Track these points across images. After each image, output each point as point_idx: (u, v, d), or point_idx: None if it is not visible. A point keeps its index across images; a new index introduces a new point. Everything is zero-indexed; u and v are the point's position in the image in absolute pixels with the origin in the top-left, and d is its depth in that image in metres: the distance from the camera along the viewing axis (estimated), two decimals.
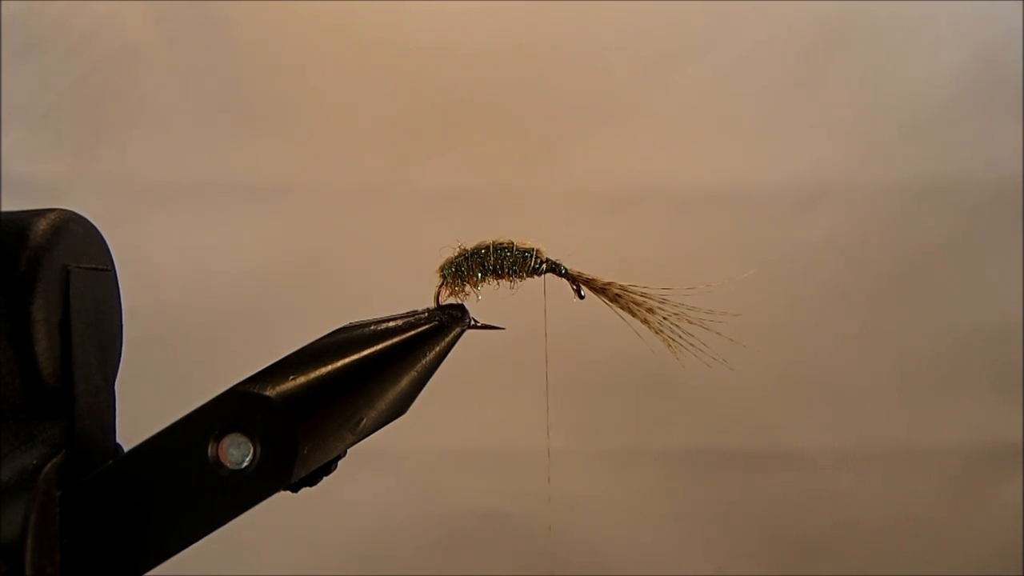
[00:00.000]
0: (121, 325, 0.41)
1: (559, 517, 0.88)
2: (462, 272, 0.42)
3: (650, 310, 0.42)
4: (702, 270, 0.92)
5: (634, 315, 0.42)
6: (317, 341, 0.38)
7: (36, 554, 0.34)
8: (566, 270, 0.42)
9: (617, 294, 0.42)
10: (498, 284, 0.42)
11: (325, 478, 0.39)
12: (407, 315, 0.39)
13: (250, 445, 0.36)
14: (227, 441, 0.36)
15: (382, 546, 0.94)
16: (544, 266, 0.42)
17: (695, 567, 0.94)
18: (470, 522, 0.93)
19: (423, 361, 0.38)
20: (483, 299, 0.42)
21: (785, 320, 0.93)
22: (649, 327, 0.42)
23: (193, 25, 0.92)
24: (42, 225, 0.37)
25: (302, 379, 0.36)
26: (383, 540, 0.94)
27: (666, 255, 0.92)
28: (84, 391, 0.37)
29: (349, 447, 0.38)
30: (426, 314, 0.39)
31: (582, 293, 0.43)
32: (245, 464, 0.36)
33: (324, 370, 0.37)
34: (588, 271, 0.43)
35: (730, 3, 0.93)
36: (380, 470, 0.92)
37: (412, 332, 0.38)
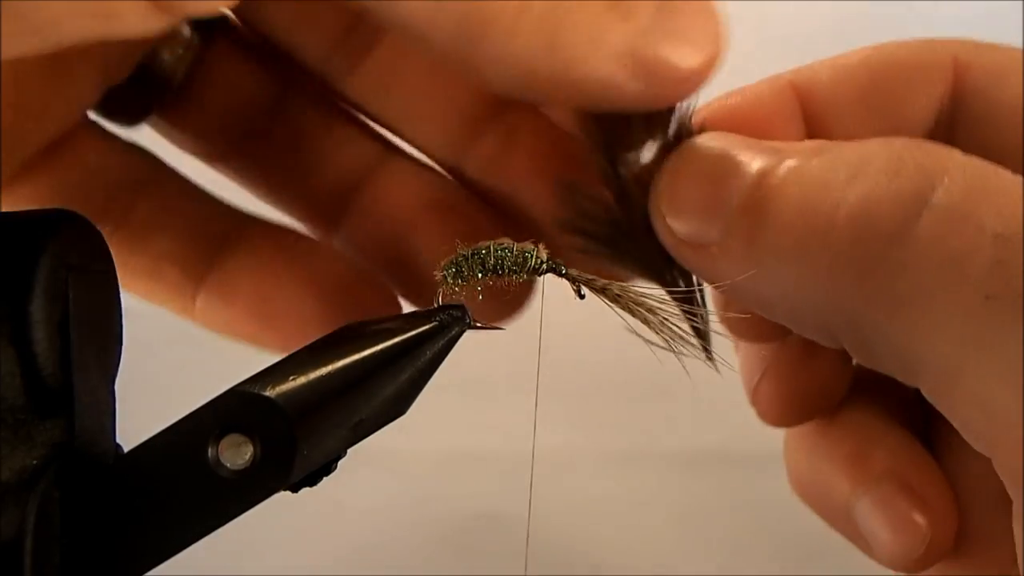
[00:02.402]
0: (121, 325, 0.41)
1: (558, 518, 0.87)
2: (462, 272, 0.42)
3: (650, 310, 0.42)
4: None
5: (634, 315, 0.42)
6: (317, 341, 0.38)
7: (35, 554, 0.34)
8: (566, 270, 0.42)
9: (617, 294, 0.42)
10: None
11: (325, 478, 0.39)
12: (407, 315, 0.39)
13: (250, 445, 0.36)
14: (227, 441, 0.36)
15: (382, 546, 0.94)
16: (544, 266, 0.42)
17: (696, 567, 0.94)
18: (470, 522, 0.93)
19: (423, 361, 0.38)
20: (482, 299, 0.42)
21: None
22: (649, 327, 0.42)
23: None
24: (42, 225, 0.37)
25: (302, 379, 0.36)
26: (383, 540, 0.94)
27: None
28: (84, 391, 0.37)
29: (349, 447, 0.38)
30: (426, 314, 0.39)
31: (582, 293, 0.43)
32: (245, 464, 0.36)
33: (324, 370, 0.37)
34: (588, 271, 0.43)
35: (728, 3, 0.93)
36: (380, 470, 0.92)
37: (412, 332, 0.38)
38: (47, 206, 0.45)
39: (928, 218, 0.32)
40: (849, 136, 0.39)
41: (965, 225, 0.32)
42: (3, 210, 0.39)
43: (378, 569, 0.93)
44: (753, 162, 0.37)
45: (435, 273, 0.42)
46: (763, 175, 0.36)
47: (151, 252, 0.46)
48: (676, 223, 0.39)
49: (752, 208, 0.36)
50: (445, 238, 0.43)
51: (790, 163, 0.36)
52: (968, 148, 0.37)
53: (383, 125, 0.48)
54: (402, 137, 0.48)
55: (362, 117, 0.48)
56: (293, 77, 0.48)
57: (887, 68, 0.43)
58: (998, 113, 0.42)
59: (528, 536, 0.48)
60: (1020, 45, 0.95)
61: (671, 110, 0.40)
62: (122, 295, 0.41)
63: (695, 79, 0.35)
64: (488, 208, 0.47)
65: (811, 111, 0.43)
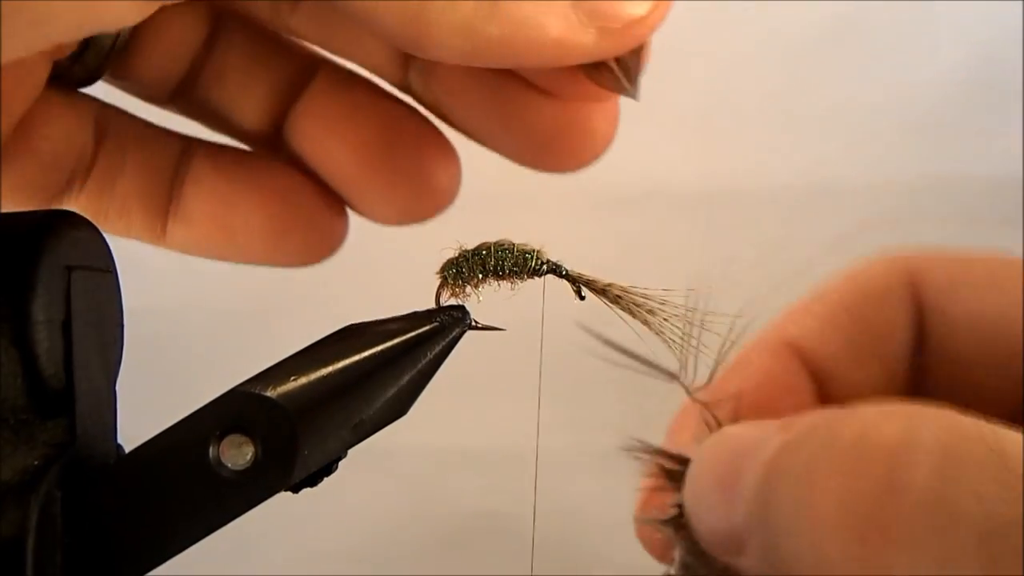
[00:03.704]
0: (122, 326, 0.41)
1: (558, 517, 0.88)
2: (463, 273, 0.42)
3: (650, 311, 0.42)
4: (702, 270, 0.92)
5: (635, 316, 0.42)
6: (318, 342, 0.38)
7: (38, 554, 0.34)
8: (567, 271, 0.42)
9: (618, 295, 0.42)
10: (499, 285, 0.42)
11: (326, 479, 0.39)
12: (408, 316, 0.39)
13: (251, 446, 0.36)
14: (228, 442, 0.36)
15: (382, 546, 0.94)
16: (545, 267, 0.42)
17: None
18: (470, 522, 0.93)
19: (424, 362, 0.38)
20: (483, 300, 0.42)
21: None
22: (650, 328, 0.42)
23: None
24: (43, 226, 0.37)
25: (303, 380, 0.36)
26: (383, 540, 0.94)
27: (667, 255, 0.92)
28: (86, 392, 0.37)
29: (350, 448, 0.38)
30: (426, 315, 0.39)
31: (583, 294, 0.43)
32: (246, 465, 0.36)
33: (325, 371, 0.37)
34: (589, 272, 0.43)
35: (728, 3, 0.93)
36: (380, 470, 0.92)
37: (413, 333, 0.38)
38: (30, 186, 0.45)
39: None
40: (845, 377, 0.43)
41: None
42: (1, 210, 0.39)
43: (378, 569, 0.93)
44: (757, 454, 0.34)
45: (435, 274, 0.42)
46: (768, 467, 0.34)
47: (118, 194, 0.48)
48: (701, 525, 0.37)
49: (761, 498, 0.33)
50: (367, 143, 0.47)
51: (781, 443, 0.33)
52: (939, 361, 0.39)
53: (331, 52, 0.50)
54: (351, 61, 0.50)
55: (286, 41, 0.51)
56: (221, 17, 0.50)
57: (863, 306, 0.44)
58: (955, 327, 0.41)
59: (533, 536, 0.48)
60: (1020, 45, 0.95)
61: None
62: (123, 298, 0.41)
63: (645, 24, 0.37)
64: (409, 112, 0.50)
65: (809, 364, 0.44)
